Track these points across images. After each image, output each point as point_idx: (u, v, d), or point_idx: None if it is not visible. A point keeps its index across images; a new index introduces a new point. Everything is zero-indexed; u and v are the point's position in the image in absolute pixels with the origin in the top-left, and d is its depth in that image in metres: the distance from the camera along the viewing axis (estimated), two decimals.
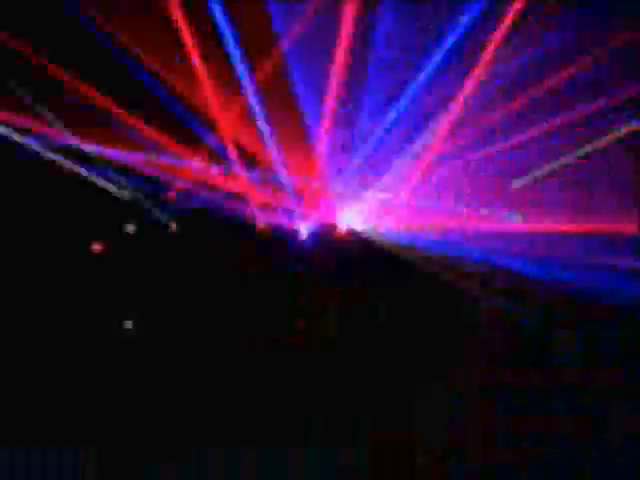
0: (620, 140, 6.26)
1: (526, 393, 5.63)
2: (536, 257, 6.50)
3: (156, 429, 5.62)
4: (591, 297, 6.21)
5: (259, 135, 6.65)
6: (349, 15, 6.03)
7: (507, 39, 6.05)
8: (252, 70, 6.34)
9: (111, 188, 6.72)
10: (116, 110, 6.42)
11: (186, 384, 5.95)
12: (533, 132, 6.41)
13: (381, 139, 6.68)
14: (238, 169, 6.85)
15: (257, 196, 6.96)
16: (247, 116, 6.59)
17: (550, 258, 6.47)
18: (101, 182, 6.70)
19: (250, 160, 6.86)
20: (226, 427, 5.68)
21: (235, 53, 6.23)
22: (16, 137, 6.36)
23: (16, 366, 5.87)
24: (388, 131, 6.63)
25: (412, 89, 6.41)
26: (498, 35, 6.02)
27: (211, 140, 6.72)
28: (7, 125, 6.31)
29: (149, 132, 6.58)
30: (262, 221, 6.96)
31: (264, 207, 6.99)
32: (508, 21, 6.00)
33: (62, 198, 6.39)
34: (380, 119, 6.62)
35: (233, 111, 6.61)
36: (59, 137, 6.46)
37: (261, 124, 6.59)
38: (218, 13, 6.05)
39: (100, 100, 6.35)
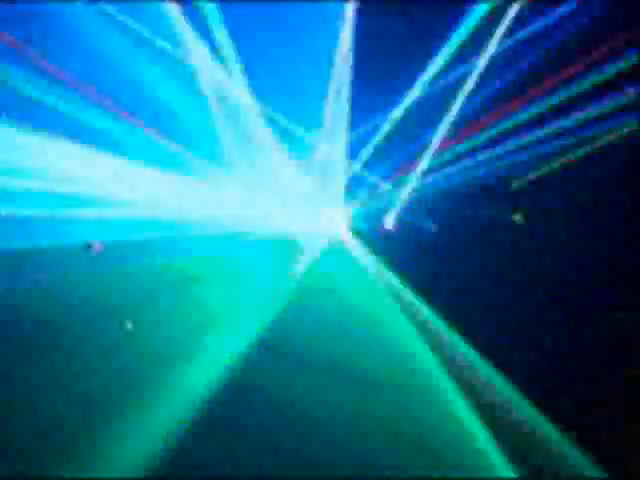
0: (620, 140, 6.26)
1: None
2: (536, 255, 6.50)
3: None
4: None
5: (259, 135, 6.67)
6: (349, 15, 6.06)
7: (508, 38, 6.08)
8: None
9: None
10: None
11: (182, 382, 5.95)
12: (533, 132, 6.41)
13: (382, 138, 6.68)
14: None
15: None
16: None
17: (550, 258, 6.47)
18: None
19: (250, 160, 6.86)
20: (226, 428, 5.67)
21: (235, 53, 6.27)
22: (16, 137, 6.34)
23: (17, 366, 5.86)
24: (389, 130, 6.64)
25: (413, 88, 6.43)
26: (499, 34, 6.04)
27: None
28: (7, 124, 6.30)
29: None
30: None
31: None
32: (508, 21, 6.02)
33: None
34: (380, 119, 6.63)
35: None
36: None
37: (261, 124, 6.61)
38: (218, 13, 6.08)
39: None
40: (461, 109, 6.43)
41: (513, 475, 5.46)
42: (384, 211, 6.86)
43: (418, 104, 6.52)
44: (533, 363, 5.91)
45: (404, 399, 5.83)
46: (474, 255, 6.44)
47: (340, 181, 6.91)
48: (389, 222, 6.80)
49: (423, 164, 6.65)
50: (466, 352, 6.08)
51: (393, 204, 6.82)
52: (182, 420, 5.71)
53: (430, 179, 6.70)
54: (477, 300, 6.19)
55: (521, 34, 6.18)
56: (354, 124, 6.69)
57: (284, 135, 6.70)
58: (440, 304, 6.29)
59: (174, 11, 6.16)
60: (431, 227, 6.53)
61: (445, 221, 6.64)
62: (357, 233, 6.91)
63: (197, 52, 6.35)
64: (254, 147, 6.76)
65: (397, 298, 6.49)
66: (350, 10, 6.33)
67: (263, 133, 6.70)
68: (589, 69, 6.10)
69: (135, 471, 5.43)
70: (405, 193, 6.75)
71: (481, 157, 6.53)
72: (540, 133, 6.39)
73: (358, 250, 6.83)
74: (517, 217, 6.39)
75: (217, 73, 6.46)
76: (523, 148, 6.46)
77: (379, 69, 6.39)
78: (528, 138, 6.42)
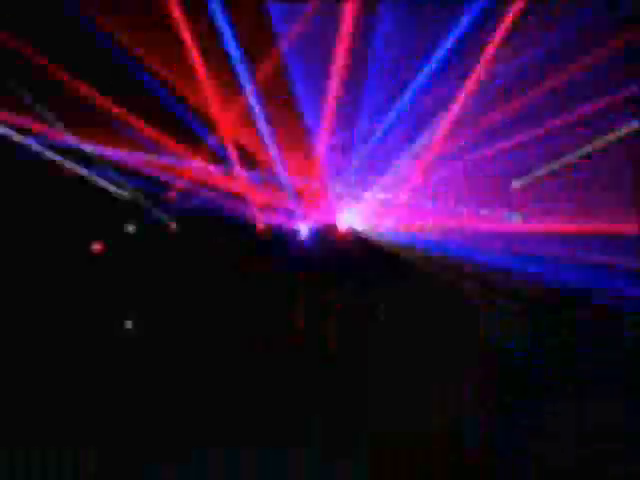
0: (620, 140, 6.25)
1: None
2: (536, 256, 6.50)
3: (156, 429, 5.62)
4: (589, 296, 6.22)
5: (259, 135, 6.66)
6: (349, 15, 6.03)
7: (507, 39, 6.06)
8: (252, 70, 6.35)
9: (111, 188, 6.72)
10: (116, 110, 6.42)
11: (185, 384, 5.95)
12: (533, 132, 6.40)
13: (381, 139, 6.68)
14: (238, 169, 6.85)
15: (257, 196, 6.96)
16: (247, 116, 6.59)
17: (550, 257, 6.47)
18: (101, 182, 6.70)
19: (250, 160, 6.86)
20: (226, 427, 5.68)
21: (235, 53, 6.24)
22: (16, 137, 6.36)
23: (16, 366, 5.87)
24: (388, 131, 6.64)
25: (412, 89, 6.42)
26: (498, 35, 6.03)
27: (211, 140, 6.72)
28: (7, 125, 6.31)
29: (149, 132, 6.58)
30: (262, 221, 6.96)
31: (264, 207, 6.99)
32: (508, 21, 6.01)
33: (62, 198, 6.39)
34: (380, 119, 6.62)
35: (233, 111, 6.61)
36: (59, 137, 6.46)
37: (261, 124, 6.60)
38: (218, 13, 6.06)
39: (100, 100, 6.36)
40: (461, 109, 6.43)
41: None
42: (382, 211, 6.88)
43: (418, 104, 6.51)
44: None
45: None
46: None
47: (340, 180, 6.92)
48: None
49: (423, 163, 6.66)
50: None
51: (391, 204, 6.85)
52: (182, 420, 5.73)
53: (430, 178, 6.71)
54: None
55: (521, 34, 6.17)
56: (354, 124, 6.69)
57: (285, 134, 6.71)
58: None
59: None
60: None
61: None
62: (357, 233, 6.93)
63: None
64: (256, 145, 6.78)
65: None
66: (350, 10, 6.32)
67: (264, 132, 6.70)
68: (589, 70, 6.09)
69: (135, 471, 5.44)
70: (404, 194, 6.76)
71: (481, 157, 6.53)
72: (540, 133, 6.38)
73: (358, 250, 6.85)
74: (517, 217, 6.40)
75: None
76: (523, 148, 6.45)
77: (380, 69, 6.38)
78: (528, 138, 6.42)
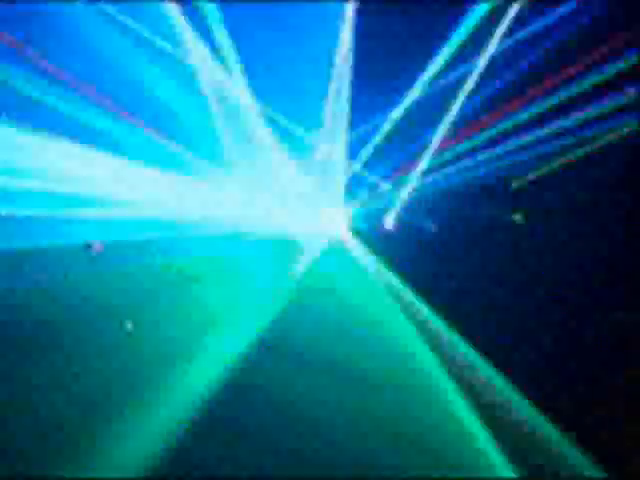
0: (620, 140, 6.26)
1: None
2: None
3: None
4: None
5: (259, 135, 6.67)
6: (349, 15, 6.06)
7: (507, 39, 6.08)
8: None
9: None
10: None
11: (183, 383, 5.95)
12: (533, 132, 6.41)
13: (382, 138, 6.68)
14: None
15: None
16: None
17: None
18: None
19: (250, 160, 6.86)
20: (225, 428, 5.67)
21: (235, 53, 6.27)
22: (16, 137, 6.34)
23: (16, 366, 5.86)
24: (389, 130, 6.64)
25: (413, 88, 6.43)
26: (499, 34, 6.04)
27: None
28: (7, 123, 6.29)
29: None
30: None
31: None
32: (508, 21, 6.02)
33: None
34: (380, 119, 6.63)
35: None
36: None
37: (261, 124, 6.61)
38: (218, 13, 6.08)
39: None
40: (461, 109, 6.43)
41: (513, 475, 5.47)
42: (384, 211, 6.86)
43: (418, 104, 6.52)
44: (533, 363, 5.91)
45: (404, 399, 5.83)
46: (474, 255, 6.44)
47: (340, 181, 6.92)
48: (389, 222, 6.80)
49: (423, 164, 6.65)
50: (466, 352, 6.08)
51: (393, 204, 6.82)
52: (182, 420, 5.71)
53: (430, 179, 6.70)
54: (477, 300, 6.19)
55: (521, 34, 6.18)
56: (354, 124, 6.69)
57: (284, 135, 6.70)
58: (439, 304, 6.30)
59: (174, 11, 6.16)
60: (431, 227, 6.53)
61: (445, 221, 6.63)
62: (357, 233, 6.92)
63: (197, 52, 6.35)
64: (254, 147, 6.76)
65: (397, 298, 6.49)
66: (350, 10, 6.33)
67: (263, 133, 6.70)
68: (589, 69, 6.10)
69: (135, 471, 5.43)
70: (405, 193, 6.75)
71: (481, 157, 6.53)
72: (540, 133, 6.39)
73: (358, 250, 6.83)
74: (517, 217, 6.39)
75: (217, 73, 6.46)
76: (523, 148, 6.46)
77: (379, 69, 6.39)
78: (528, 138, 6.42)
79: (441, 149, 6.61)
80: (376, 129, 6.67)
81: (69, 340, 6.06)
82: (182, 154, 6.58)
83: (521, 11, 6.09)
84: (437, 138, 6.55)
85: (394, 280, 6.57)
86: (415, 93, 6.48)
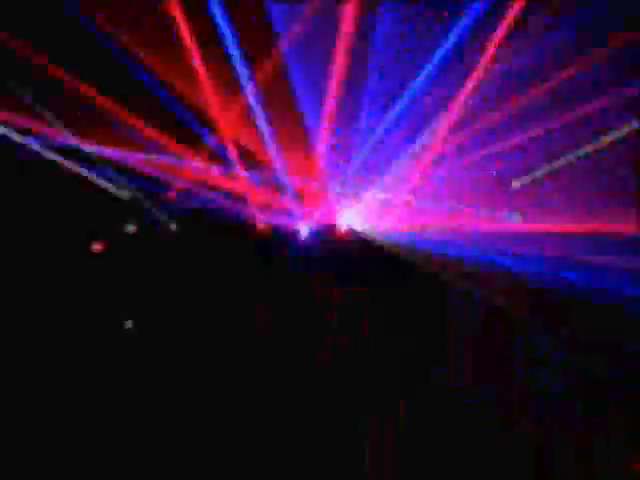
0: (620, 140, 6.25)
1: None
2: (536, 257, 6.50)
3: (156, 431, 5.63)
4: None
5: (259, 135, 6.66)
6: (349, 15, 6.03)
7: (507, 39, 6.06)
8: (252, 70, 6.35)
9: (111, 188, 6.72)
10: (116, 110, 6.42)
11: (183, 384, 5.96)
12: (533, 132, 6.40)
13: (381, 139, 6.68)
14: (238, 169, 6.85)
15: (257, 196, 6.96)
16: (247, 116, 6.59)
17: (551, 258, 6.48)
18: (101, 182, 6.69)
19: (250, 160, 6.86)
20: (225, 427, 5.69)
21: (235, 53, 6.24)
22: (16, 137, 6.35)
23: (16, 366, 5.88)
24: (388, 131, 6.64)
25: (412, 89, 6.42)
26: (498, 35, 6.03)
27: (211, 140, 6.72)
28: (7, 125, 6.31)
29: (149, 132, 6.58)
30: (262, 221, 6.95)
31: (264, 207, 6.99)
32: (508, 21, 6.01)
33: (62, 198, 6.38)
34: (380, 119, 6.62)
35: (233, 111, 6.61)
36: (59, 137, 6.46)
37: (261, 124, 6.60)
38: (218, 13, 6.06)
39: (100, 100, 6.35)
40: (461, 109, 6.43)
41: None
42: None
43: (418, 104, 6.52)
44: None
45: None
46: None
47: (340, 181, 6.92)
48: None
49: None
50: None
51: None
52: (182, 421, 5.73)
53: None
54: None
55: (521, 34, 6.17)
56: (354, 124, 6.69)
57: (283, 134, 6.71)
58: None
59: None
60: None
61: None
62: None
63: None
64: (254, 146, 6.78)
65: None
66: (350, 10, 6.31)
67: (264, 132, 6.71)
68: (589, 69, 6.09)
69: (135, 472, 5.45)
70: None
71: (481, 157, 6.54)
72: (540, 133, 6.39)
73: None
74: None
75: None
76: (523, 148, 6.45)
77: (380, 69, 6.38)
78: (528, 138, 6.42)
79: (441, 149, 6.61)
80: (376, 129, 6.67)
81: (68, 340, 6.09)
82: None
83: (522, 11, 6.08)
84: (437, 138, 6.56)
85: None
86: (415, 93, 6.48)
